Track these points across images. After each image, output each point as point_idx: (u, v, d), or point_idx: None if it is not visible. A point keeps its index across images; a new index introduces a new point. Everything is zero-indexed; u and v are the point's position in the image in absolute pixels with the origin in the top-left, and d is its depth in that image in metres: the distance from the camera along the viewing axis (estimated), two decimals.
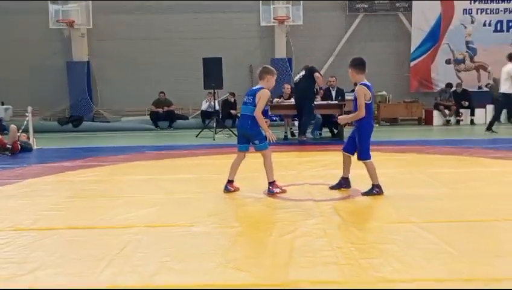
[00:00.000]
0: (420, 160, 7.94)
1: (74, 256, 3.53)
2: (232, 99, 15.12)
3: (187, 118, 15.95)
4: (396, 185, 5.72)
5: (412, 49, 16.34)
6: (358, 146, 5.37)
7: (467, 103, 15.18)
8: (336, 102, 11.71)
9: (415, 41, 16.32)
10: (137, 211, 4.79)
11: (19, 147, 9.57)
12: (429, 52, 16.35)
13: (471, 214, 4.49)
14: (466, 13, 16.18)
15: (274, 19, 15.49)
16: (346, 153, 5.55)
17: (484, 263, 3.26)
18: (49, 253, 3.60)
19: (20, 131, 10.15)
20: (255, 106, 5.42)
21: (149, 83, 16.09)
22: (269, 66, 5.74)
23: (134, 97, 16.17)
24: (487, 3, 16.14)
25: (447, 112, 15.06)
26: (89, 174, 7.02)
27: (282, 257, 3.41)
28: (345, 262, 3.29)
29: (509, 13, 16.16)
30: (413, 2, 16.03)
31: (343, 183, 5.62)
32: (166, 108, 15.35)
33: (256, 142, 5.47)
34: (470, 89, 15.72)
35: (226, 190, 5.59)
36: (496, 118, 12.22)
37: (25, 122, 10.62)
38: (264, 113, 5.88)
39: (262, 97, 5.42)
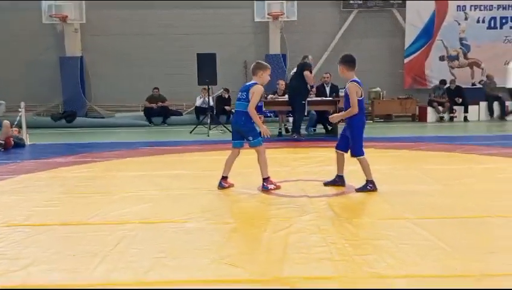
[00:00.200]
0: (414, 156, 7.96)
1: (68, 252, 3.52)
2: (226, 95, 15.09)
3: (181, 114, 15.92)
4: (390, 181, 5.73)
5: (406, 46, 16.33)
6: (352, 143, 5.37)
7: (460, 100, 15.22)
8: (330, 98, 11.72)
9: (409, 38, 16.31)
10: (132, 207, 4.78)
11: (12, 142, 9.52)
12: (423, 48, 16.36)
13: (465, 211, 4.52)
14: (460, 10, 16.20)
15: (268, 14, 15.45)
16: (340, 151, 5.55)
17: (477, 259, 3.27)
18: (42, 249, 3.58)
19: (13, 127, 10.09)
20: (248, 101, 5.40)
21: (143, 79, 16.01)
22: (262, 62, 5.71)
23: (128, 93, 16.10)
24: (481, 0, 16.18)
25: (440, 108, 15.10)
26: (82, 170, 6.99)
27: (277, 253, 3.42)
28: (339, 258, 3.30)
29: (503, 10, 16.18)
30: (407, 1, 16.06)
31: (338, 180, 5.62)
32: (160, 104, 15.31)
33: (250, 138, 5.46)
34: (463, 86, 15.76)
35: (220, 186, 5.58)
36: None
37: (18, 117, 10.57)
38: (258, 109, 5.88)
39: (256, 93, 5.40)
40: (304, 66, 10.60)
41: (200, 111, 14.63)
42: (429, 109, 15.24)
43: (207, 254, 3.43)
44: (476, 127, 12.11)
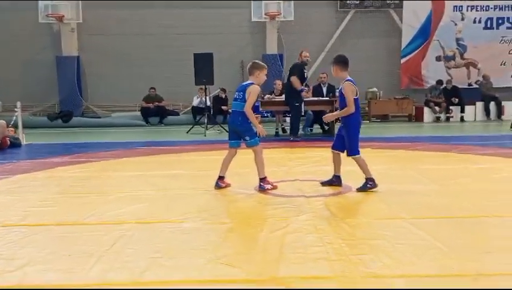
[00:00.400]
0: (410, 156, 7.98)
1: (64, 252, 3.51)
2: (223, 95, 15.07)
3: (178, 114, 15.90)
4: (386, 181, 5.73)
5: (403, 46, 16.35)
6: (348, 143, 5.37)
7: (457, 100, 15.25)
8: (327, 98, 11.72)
9: (406, 38, 16.33)
10: (128, 207, 4.77)
11: (8, 142, 9.49)
12: (420, 48, 16.38)
13: (461, 210, 4.53)
14: (456, 10, 16.23)
15: (265, 14, 15.46)
16: (336, 151, 5.56)
17: (473, 259, 3.28)
18: (38, 249, 3.57)
19: (9, 126, 10.06)
20: (245, 101, 5.40)
21: (140, 79, 15.96)
22: (259, 61, 5.71)
23: (124, 93, 16.06)
24: (477, 0, 16.20)
25: (437, 108, 15.14)
26: (78, 170, 6.98)
27: (273, 253, 3.41)
28: (336, 258, 3.30)
29: (499, 10, 16.23)
30: (404, 2, 16.08)
31: (335, 180, 5.63)
32: (156, 103, 15.29)
33: (247, 138, 5.47)
34: (460, 86, 15.79)
35: (217, 186, 5.57)
36: None
37: (14, 117, 10.53)
38: (255, 109, 5.88)
39: (252, 93, 5.40)
40: (292, 70, 10.50)
41: (197, 111, 14.61)
42: (426, 109, 15.27)
43: (203, 254, 3.42)
44: (472, 127, 12.13)
